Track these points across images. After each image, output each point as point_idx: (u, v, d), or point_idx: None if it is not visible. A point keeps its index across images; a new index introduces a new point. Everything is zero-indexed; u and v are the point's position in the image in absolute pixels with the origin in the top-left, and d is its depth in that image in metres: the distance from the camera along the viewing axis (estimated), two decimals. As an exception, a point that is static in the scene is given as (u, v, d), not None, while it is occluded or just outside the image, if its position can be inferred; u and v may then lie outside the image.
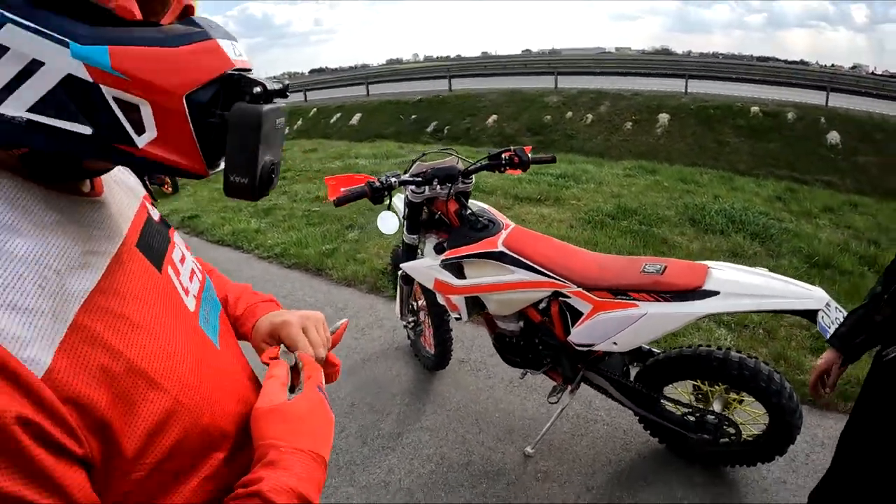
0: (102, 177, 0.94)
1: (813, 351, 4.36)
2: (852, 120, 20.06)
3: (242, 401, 1.04)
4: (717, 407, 3.05)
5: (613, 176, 11.25)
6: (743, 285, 2.58)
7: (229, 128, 0.78)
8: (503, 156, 3.39)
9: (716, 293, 2.57)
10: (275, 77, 0.83)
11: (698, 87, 23.57)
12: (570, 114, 21.98)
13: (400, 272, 3.89)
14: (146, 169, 0.80)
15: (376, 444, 3.74)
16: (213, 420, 0.91)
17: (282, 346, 1.21)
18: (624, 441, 3.66)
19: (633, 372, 3.31)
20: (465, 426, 3.89)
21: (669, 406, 3.24)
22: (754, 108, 20.26)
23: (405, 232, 3.52)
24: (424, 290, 3.97)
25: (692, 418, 3.11)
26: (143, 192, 1.13)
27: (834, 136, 18.91)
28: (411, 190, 3.24)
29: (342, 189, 2.89)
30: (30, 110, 0.69)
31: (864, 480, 2.02)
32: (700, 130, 19.45)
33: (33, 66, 0.67)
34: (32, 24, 0.66)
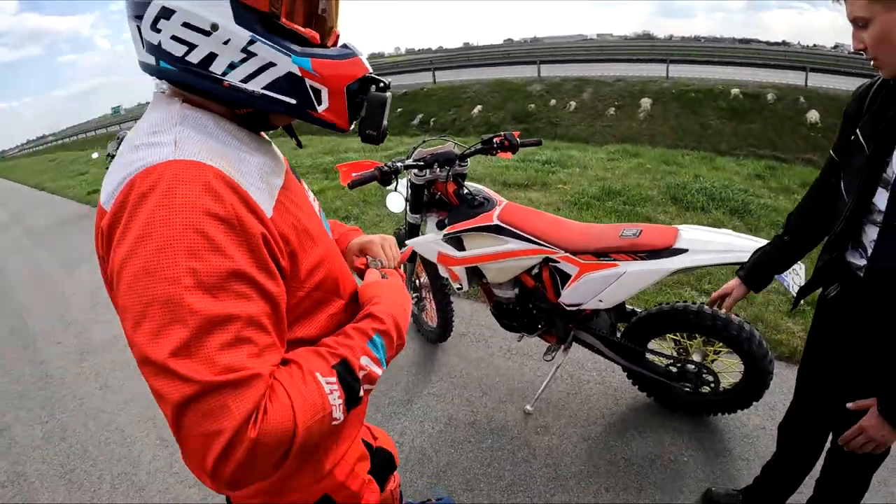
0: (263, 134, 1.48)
1: (789, 314, 4.72)
2: (831, 98, 20.42)
3: (349, 274, 1.60)
4: (696, 358, 3.43)
5: (598, 160, 11.61)
6: (708, 243, 2.99)
7: (367, 104, 1.34)
8: (494, 140, 3.70)
9: (685, 251, 2.99)
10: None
11: (680, 71, 23.90)
12: (553, 101, 22.24)
13: (402, 250, 4.23)
14: (317, 124, 1.34)
15: (388, 410, 4.09)
16: (339, 275, 1.48)
17: (368, 257, 1.81)
18: (615, 397, 4.02)
19: (620, 332, 3.68)
20: (469, 390, 4.25)
21: (654, 359, 3.61)
22: (735, 90, 20.57)
23: (409, 212, 3.87)
24: (426, 266, 4.35)
25: (674, 369, 3.49)
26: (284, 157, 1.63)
27: (813, 115, 19.28)
28: (414, 173, 3.59)
29: (353, 174, 3.26)
30: (264, 88, 1.23)
31: (817, 406, 2.36)
32: (682, 113, 19.75)
33: (268, 66, 1.21)
34: (270, 43, 1.19)
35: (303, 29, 1.24)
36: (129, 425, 4.43)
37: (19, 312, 7.52)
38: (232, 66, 1.19)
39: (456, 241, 3.62)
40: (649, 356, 3.60)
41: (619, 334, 3.64)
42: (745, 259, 2.76)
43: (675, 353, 3.57)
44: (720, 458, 3.44)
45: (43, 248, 10.90)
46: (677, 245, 3.02)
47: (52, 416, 4.72)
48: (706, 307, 3.19)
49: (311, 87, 1.25)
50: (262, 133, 1.44)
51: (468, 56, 37.96)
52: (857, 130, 1.96)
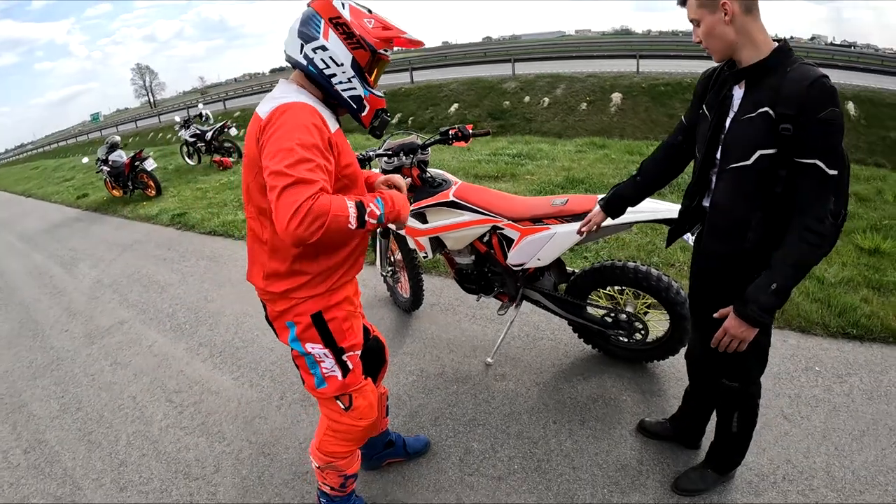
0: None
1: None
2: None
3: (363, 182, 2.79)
4: (629, 309, 4.09)
5: (565, 153, 12.22)
6: None
7: (381, 119, 2.67)
8: (450, 132, 4.39)
9: None
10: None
11: (650, 65, 24.21)
12: (527, 98, 22.50)
13: (379, 228, 4.89)
14: (358, 121, 2.62)
15: (368, 368, 4.70)
16: (358, 178, 2.64)
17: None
18: (564, 351, 4.69)
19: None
20: (439, 349, 4.92)
21: (593, 312, 4.26)
22: (701, 82, 20.98)
23: None
24: (398, 243, 5.04)
25: (609, 319, 4.16)
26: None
27: (779, 105, 19.78)
28: (384, 161, 4.27)
29: None
30: (349, 97, 2.51)
31: (705, 329, 2.92)
32: (651, 106, 20.10)
33: (355, 88, 2.51)
34: (359, 80, 2.50)
35: (370, 78, 2.53)
36: (140, 393, 4.97)
37: (25, 307, 7.92)
38: (340, 82, 2.46)
39: (420, 216, 4.27)
40: (589, 309, 4.23)
41: (561, 293, 4.29)
42: (651, 217, 3.52)
43: (610, 306, 4.20)
44: (655, 397, 4.07)
45: (38, 251, 11.26)
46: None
47: (67, 391, 5.20)
48: (630, 263, 3.89)
49: (365, 103, 2.54)
50: None
51: (445, 55, 38.22)
52: (703, 105, 2.68)
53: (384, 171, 4.27)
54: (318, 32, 2.39)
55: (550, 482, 3.44)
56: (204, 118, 18.10)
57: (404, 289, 5.53)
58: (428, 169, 4.42)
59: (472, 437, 3.87)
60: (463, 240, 4.21)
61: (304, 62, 2.43)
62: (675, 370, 4.27)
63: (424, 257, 4.52)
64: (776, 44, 2.40)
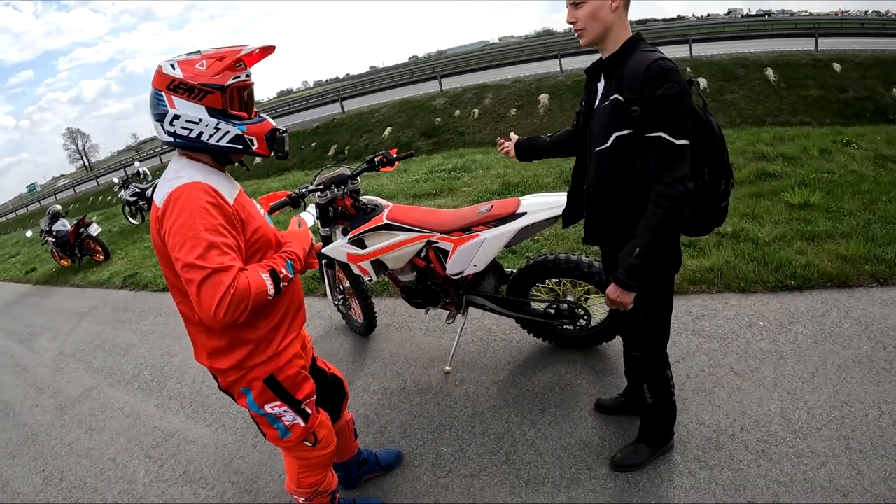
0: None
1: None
2: (716, 64, 21.71)
3: (275, 240, 2.69)
4: (570, 298, 4.30)
5: (499, 160, 12.48)
6: (541, 204, 3.94)
7: (276, 142, 2.57)
8: (375, 159, 4.60)
9: (524, 213, 3.93)
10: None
11: (573, 62, 24.68)
12: (457, 112, 22.80)
13: (324, 260, 5.07)
14: (255, 155, 2.57)
15: (333, 394, 4.82)
16: (268, 240, 2.61)
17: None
18: (518, 348, 4.86)
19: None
20: (398, 365, 5.06)
21: (535, 306, 4.44)
22: (624, 71, 21.36)
23: (320, 227, 4.69)
24: (345, 271, 5.19)
25: (552, 310, 4.36)
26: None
27: (701, 82, 20.37)
28: (317, 195, 4.39)
29: (271, 203, 4.04)
30: (228, 143, 2.45)
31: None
32: (577, 102, 20.36)
33: (227, 132, 2.44)
34: (226, 121, 2.43)
35: (239, 112, 2.47)
36: (119, 454, 4.98)
37: (-10, 390, 7.77)
38: (211, 135, 2.41)
39: (359, 242, 4.40)
40: (532, 304, 4.42)
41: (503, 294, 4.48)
42: (559, 212, 3.66)
43: (551, 298, 4.40)
44: (608, 376, 4.27)
45: (-6, 332, 10.96)
46: (519, 210, 3.96)
47: (48, 465, 5.17)
48: (561, 255, 4.11)
49: (248, 138, 2.48)
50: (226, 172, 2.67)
51: (373, 81, 38.35)
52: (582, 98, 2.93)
53: (318, 205, 4.46)
54: (165, 106, 2.37)
55: (520, 470, 3.60)
56: (142, 175, 17.79)
57: (357, 314, 5.65)
58: (361, 196, 4.57)
59: (440, 442, 4.01)
60: (402, 258, 4.35)
61: (171, 138, 2.43)
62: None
63: (370, 281, 4.67)
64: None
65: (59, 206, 15.80)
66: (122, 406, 5.90)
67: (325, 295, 6.28)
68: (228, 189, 2.46)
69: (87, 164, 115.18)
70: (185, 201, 2.23)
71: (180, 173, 2.37)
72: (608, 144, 2.62)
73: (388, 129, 24.18)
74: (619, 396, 3.86)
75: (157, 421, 5.38)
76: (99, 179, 46.20)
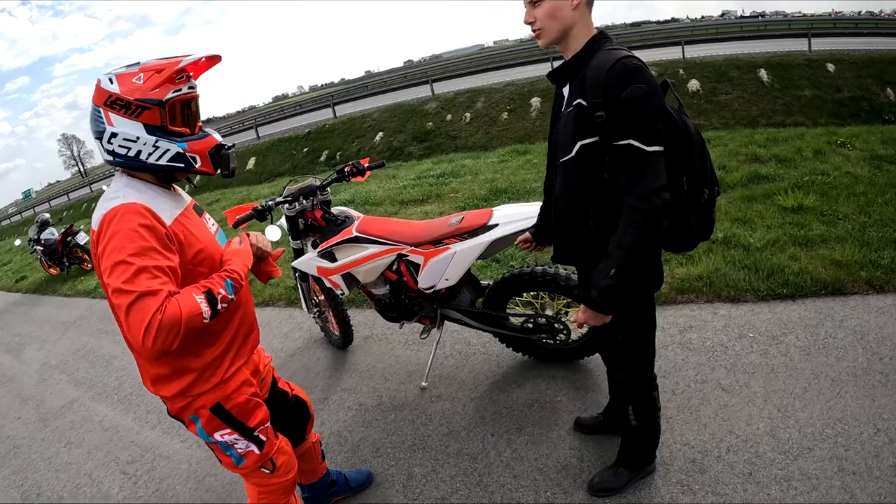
0: (177, 189, 2.59)
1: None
2: (708, 65, 21.64)
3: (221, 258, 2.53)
4: (548, 312, 4.14)
5: (488, 164, 12.35)
6: (514, 215, 3.79)
7: (221, 159, 2.42)
8: (345, 169, 4.50)
9: (496, 225, 3.78)
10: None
11: (565, 65, 24.66)
12: (449, 116, 22.78)
13: (297, 273, 4.89)
14: (199, 174, 2.43)
15: (308, 409, 4.66)
16: (214, 262, 2.45)
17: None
18: (497, 362, 4.69)
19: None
20: (375, 380, 4.90)
21: (513, 320, 4.28)
22: (617, 73, 21.37)
23: (290, 240, 4.57)
24: (320, 284, 4.99)
25: (530, 324, 4.19)
26: (191, 199, 2.66)
27: (694, 84, 20.39)
28: (286, 207, 4.28)
29: (237, 216, 3.90)
30: (168, 161, 2.32)
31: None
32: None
33: (167, 150, 2.30)
34: (165, 139, 2.29)
35: (179, 128, 2.35)
36: (96, 469, 4.89)
37: (-25, 400, 7.73)
38: (149, 154, 2.28)
39: (329, 255, 4.26)
40: (510, 319, 4.26)
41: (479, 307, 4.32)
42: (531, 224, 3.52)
43: (528, 312, 4.22)
44: (590, 392, 4.09)
45: (-18, 340, 10.95)
46: (491, 222, 3.81)
47: (27, 479, 5.09)
48: (538, 267, 3.95)
49: (190, 156, 2.34)
50: (175, 187, 2.59)
51: (367, 85, 38.35)
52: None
53: (287, 218, 4.36)
54: (103, 123, 2.26)
55: (493, 494, 3.43)
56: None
57: (335, 327, 5.51)
58: (333, 208, 4.44)
59: (413, 462, 3.85)
60: (372, 272, 4.22)
61: (110, 157, 2.32)
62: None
63: (342, 294, 4.52)
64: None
65: (47, 215, 15.81)
66: (101, 419, 5.81)
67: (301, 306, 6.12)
68: (169, 208, 2.35)
69: (82, 170, 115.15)
70: (116, 224, 2.12)
71: (117, 193, 2.26)
72: (572, 154, 2.41)
73: (380, 133, 24.12)
74: (598, 415, 3.68)
75: (134, 435, 5.28)
76: (92, 186, 46.03)
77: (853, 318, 4.33)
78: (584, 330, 4.19)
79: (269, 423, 2.76)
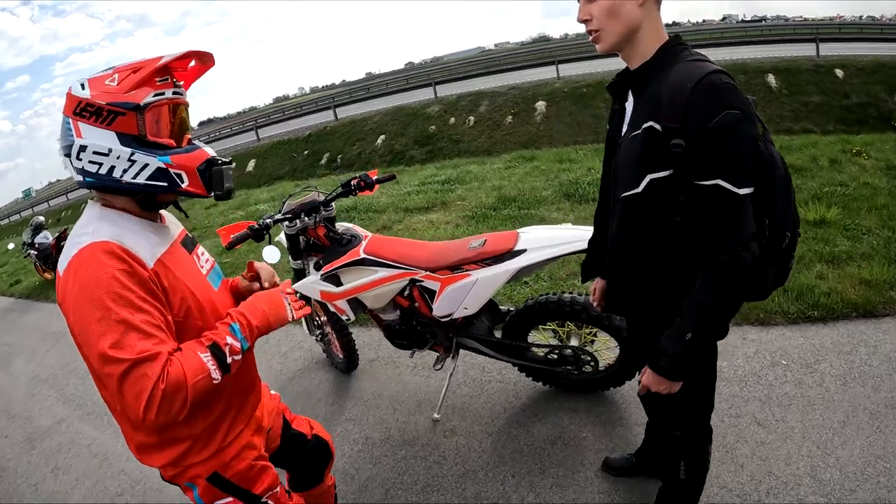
0: (165, 217, 2.21)
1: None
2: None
3: (225, 307, 2.19)
4: (574, 342, 3.82)
5: (495, 171, 12.05)
6: (543, 239, 3.44)
7: (213, 176, 2.00)
8: (352, 182, 4.08)
9: (524, 251, 3.42)
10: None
11: (570, 69, 24.54)
12: (452, 119, 22.64)
13: (298, 294, 4.56)
14: (186, 195, 2.03)
15: (311, 441, 4.37)
16: (201, 308, 2.05)
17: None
18: (515, 391, 4.38)
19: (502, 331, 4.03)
20: (382, 410, 4.57)
21: (535, 350, 3.96)
22: (621, 78, 21.29)
23: (291, 260, 4.22)
24: (322, 305, 4.62)
25: (554, 356, 3.89)
26: (182, 228, 2.30)
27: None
28: (285, 225, 3.93)
29: (231, 236, 3.55)
30: (146, 179, 1.90)
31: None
32: (575, 109, 20.29)
33: (145, 166, 1.88)
34: (143, 151, 1.88)
35: (162, 140, 1.94)
36: (84, 500, 4.65)
37: (-39, 414, 7.54)
38: (125, 171, 1.88)
39: (334, 278, 3.93)
40: (531, 348, 3.95)
41: (500, 334, 4.02)
42: (577, 248, 3.16)
43: (553, 342, 3.95)
44: (617, 428, 3.79)
45: (-30, 349, 10.75)
46: (517, 247, 3.45)
47: None
48: (565, 295, 3.59)
49: (174, 173, 1.94)
50: (164, 216, 2.21)
51: (368, 87, 38.21)
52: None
53: (287, 237, 4.03)
54: (72, 135, 1.88)
55: (518, 547, 3.12)
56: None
57: (339, 350, 5.19)
58: (337, 224, 4.12)
59: (427, 506, 3.56)
60: (382, 297, 3.89)
61: (80, 177, 1.94)
62: (633, 393, 4.00)
63: (347, 320, 4.21)
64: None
65: (41, 218, 15.51)
66: (89, 443, 5.54)
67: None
68: (150, 246, 1.95)
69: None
70: (87, 271, 1.75)
71: (86, 228, 1.89)
72: (639, 190, 1.98)
73: (382, 136, 23.97)
74: (630, 456, 3.37)
75: (123, 463, 4.99)
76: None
77: (887, 344, 4.12)
78: (612, 360, 3.90)
79: (278, 488, 2.41)
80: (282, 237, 4.13)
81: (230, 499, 2.22)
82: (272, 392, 2.79)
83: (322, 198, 4.01)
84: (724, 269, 1.87)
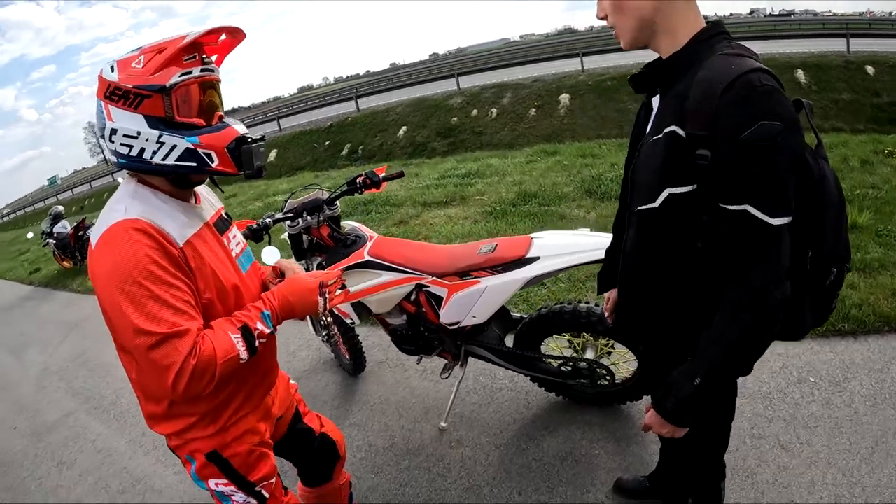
0: (200, 197, 2.19)
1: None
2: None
3: (251, 292, 2.22)
4: (589, 354, 3.63)
5: (516, 165, 11.87)
6: (558, 247, 3.24)
7: (243, 155, 1.95)
8: (357, 180, 3.89)
9: (537, 259, 3.22)
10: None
11: (594, 62, 24.22)
12: (475, 111, 22.53)
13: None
14: (217, 174, 2.02)
15: (314, 445, 4.22)
16: (225, 291, 2.05)
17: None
18: (526, 401, 4.19)
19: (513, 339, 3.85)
20: (387, 416, 4.42)
21: (548, 362, 3.78)
22: (647, 71, 21.08)
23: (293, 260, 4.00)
24: None
25: (567, 368, 3.70)
26: (220, 205, 2.33)
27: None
28: (287, 224, 3.77)
29: None
30: (176, 160, 1.88)
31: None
32: (600, 103, 20.09)
33: (174, 147, 1.86)
34: (171, 133, 1.85)
35: (190, 119, 1.91)
36: (86, 495, 4.59)
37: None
38: (154, 153, 1.87)
39: None
40: (544, 359, 3.77)
41: (511, 342, 3.82)
42: (594, 258, 2.96)
43: (567, 353, 3.77)
44: (632, 446, 3.60)
45: (-12, 335, 10.76)
46: (530, 254, 3.26)
47: (16, 499, 4.83)
48: (581, 305, 3.39)
49: (203, 153, 1.91)
50: (199, 195, 2.19)
51: (391, 78, 38.14)
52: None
53: (290, 237, 3.87)
54: (104, 118, 1.89)
55: (521, 571, 2.95)
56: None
57: (345, 352, 5.05)
58: (343, 223, 3.95)
59: (428, 522, 3.39)
60: (387, 302, 3.72)
61: (115, 157, 1.96)
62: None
63: (352, 324, 4.09)
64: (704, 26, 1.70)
65: (60, 208, 15.52)
66: (94, 438, 5.48)
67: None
68: (181, 225, 1.97)
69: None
70: (119, 247, 1.78)
71: (119, 205, 1.92)
72: (656, 205, 1.69)
73: (404, 128, 23.88)
74: (643, 479, 3.17)
75: (126, 461, 4.92)
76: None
77: (921, 363, 3.86)
78: (630, 374, 3.72)
79: (274, 478, 2.40)
80: (285, 236, 3.96)
81: (225, 480, 2.23)
82: (291, 382, 2.83)
83: (325, 196, 3.84)
84: (747, 309, 1.59)
